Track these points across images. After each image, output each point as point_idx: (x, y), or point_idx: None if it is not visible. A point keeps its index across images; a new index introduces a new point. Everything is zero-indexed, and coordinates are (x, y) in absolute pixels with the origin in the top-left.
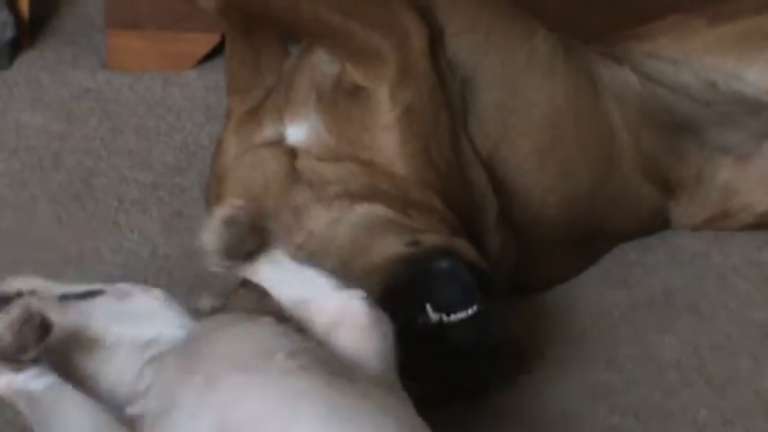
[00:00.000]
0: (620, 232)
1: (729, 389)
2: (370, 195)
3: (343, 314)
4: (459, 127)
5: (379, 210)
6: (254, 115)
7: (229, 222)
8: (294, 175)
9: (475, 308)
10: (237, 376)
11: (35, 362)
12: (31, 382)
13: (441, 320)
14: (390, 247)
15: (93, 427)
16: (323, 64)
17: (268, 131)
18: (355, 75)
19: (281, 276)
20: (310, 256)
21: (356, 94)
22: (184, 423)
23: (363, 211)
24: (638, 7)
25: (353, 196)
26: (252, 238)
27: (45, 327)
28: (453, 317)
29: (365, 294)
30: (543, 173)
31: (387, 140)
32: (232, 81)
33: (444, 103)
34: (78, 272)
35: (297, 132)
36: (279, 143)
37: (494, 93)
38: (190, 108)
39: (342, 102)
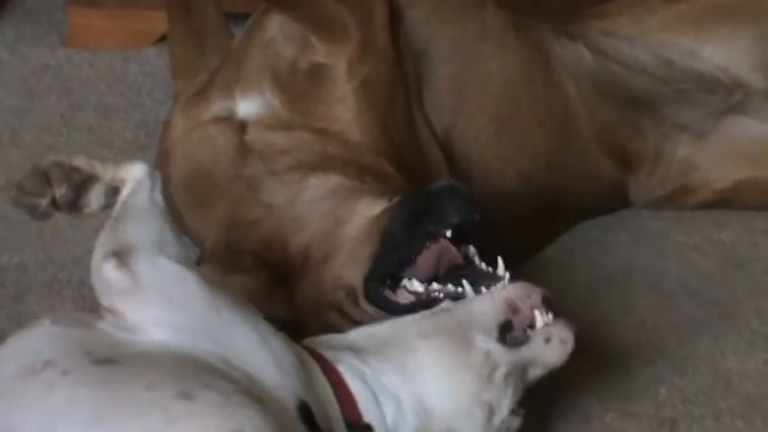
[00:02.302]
0: (579, 206)
1: (689, 367)
2: (323, 163)
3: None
4: (415, 103)
5: (335, 179)
6: (202, 95)
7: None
8: (244, 148)
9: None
10: (2, 404)
11: None
12: None
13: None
14: (374, 208)
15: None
16: (277, 45)
17: (216, 108)
18: (318, 48)
19: None
20: (274, 231)
21: (314, 73)
22: None
23: (318, 182)
24: None
25: (306, 165)
26: None
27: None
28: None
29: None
30: (501, 145)
31: (342, 110)
32: (177, 65)
33: (401, 77)
34: (37, 248)
35: (248, 107)
36: (228, 119)
37: (448, 66)
38: (150, 85)
39: (299, 82)
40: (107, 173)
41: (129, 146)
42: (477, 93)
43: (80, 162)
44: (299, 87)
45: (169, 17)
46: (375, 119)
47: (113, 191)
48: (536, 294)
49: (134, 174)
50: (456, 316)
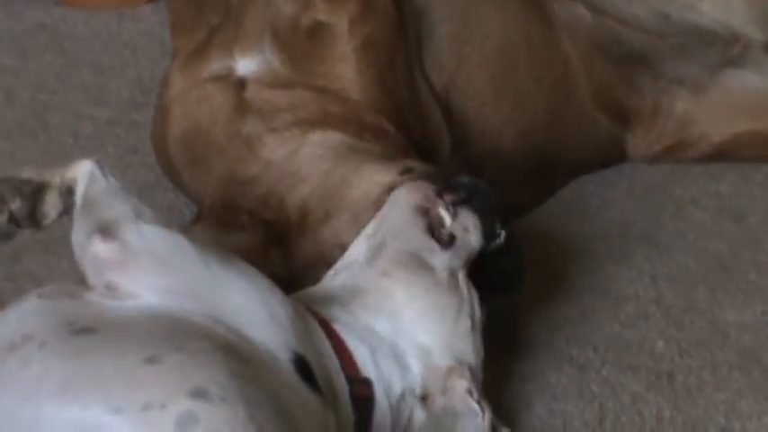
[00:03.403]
0: (577, 163)
1: (686, 320)
2: (322, 120)
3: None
4: (415, 63)
5: (334, 136)
6: (201, 52)
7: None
8: (243, 106)
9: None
10: None
11: None
12: None
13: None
14: (381, 174)
15: None
16: (278, 2)
17: (215, 66)
18: (320, 6)
19: None
20: (272, 187)
21: (316, 31)
22: None
23: (318, 138)
24: None
25: (305, 122)
26: None
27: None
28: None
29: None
30: (500, 103)
31: (343, 69)
32: (176, 22)
33: (402, 37)
34: None
35: (248, 65)
36: (226, 77)
37: (447, 25)
38: (145, 43)
39: (300, 40)
40: (56, 177)
41: (125, 104)
42: (477, 51)
43: (27, 173)
44: (299, 45)
45: None
46: (376, 78)
47: (68, 192)
48: (431, 191)
49: (83, 169)
50: (390, 242)
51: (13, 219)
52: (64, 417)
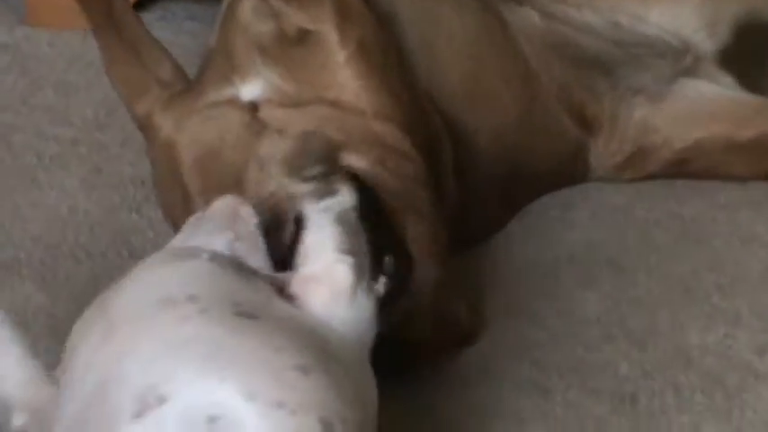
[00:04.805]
0: (544, 174)
1: (650, 343)
2: (346, 141)
3: (327, 273)
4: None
5: (358, 162)
6: (187, 93)
7: None
8: (257, 126)
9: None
10: (130, 327)
11: None
12: None
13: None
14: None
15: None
16: (252, 25)
17: (213, 97)
18: (298, 18)
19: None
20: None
21: (304, 38)
22: (76, 382)
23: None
24: None
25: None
26: None
27: None
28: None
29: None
30: (473, 103)
31: (347, 75)
32: (130, 88)
33: (387, 37)
34: None
35: (251, 89)
36: (230, 101)
37: (416, 25)
38: None
39: (291, 50)
40: None
41: (89, 124)
42: (445, 51)
43: None
44: (292, 55)
45: (101, 42)
46: (380, 82)
47: None
48: None
49: None
50: None
51: None
52: (198, 383)
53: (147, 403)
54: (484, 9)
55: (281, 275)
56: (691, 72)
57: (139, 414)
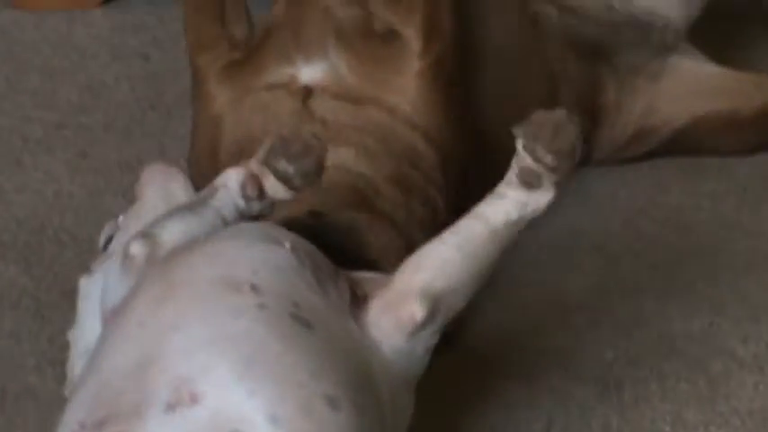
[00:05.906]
0: None
1: (635, 330)
2: (384, 153)
3: (401, 299)
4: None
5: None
6: (246, 64)
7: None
8: (304, 114)
9: None
10: (185, 298)
11: None
12: None
13: None
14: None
15: None
16: (334, 8)
17: (273, 75)
18: (387, 15)
19: None
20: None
21: (388, 37)
22: (127, 338)
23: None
24: None
25: (367, 153)
26: None
27: None
28: None
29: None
30: (504, 110)
31: (415, 86)
32: (199, 37)
33: (461, 67)
34: None
35: (312, 71)
36: (287, 84)
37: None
38: (95, 47)
39: (370, 43)
40: None
41: (74, 108)
42: (480, 57)
43: None
44: (370, 50)
45: None
46: (443, 103)
47: None
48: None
49: None
50: None
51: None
52: (231, 389)
53: (181, 398)
54: (520, 11)
55: (361, 276)
56: (673, 49)
57: (171, 408)
